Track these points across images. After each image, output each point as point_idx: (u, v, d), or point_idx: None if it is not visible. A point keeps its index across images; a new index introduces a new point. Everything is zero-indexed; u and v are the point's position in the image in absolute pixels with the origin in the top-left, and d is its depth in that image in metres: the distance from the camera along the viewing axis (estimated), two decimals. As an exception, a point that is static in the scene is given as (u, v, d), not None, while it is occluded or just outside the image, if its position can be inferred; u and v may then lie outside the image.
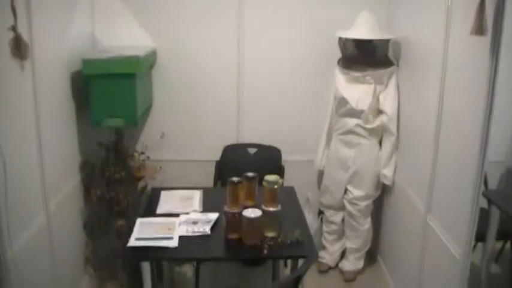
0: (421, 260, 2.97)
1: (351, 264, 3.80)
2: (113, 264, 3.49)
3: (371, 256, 3.96)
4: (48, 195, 2.80)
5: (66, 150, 3.16)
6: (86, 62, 3.10)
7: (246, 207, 2.57)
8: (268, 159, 3.77)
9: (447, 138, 2.66)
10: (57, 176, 2.97)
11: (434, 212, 2.81)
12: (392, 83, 3.44)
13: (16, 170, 2.42)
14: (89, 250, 3.50)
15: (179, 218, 2.74)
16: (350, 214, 3.70)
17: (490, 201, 2.65)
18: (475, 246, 2.42)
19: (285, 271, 3.29)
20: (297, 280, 2.26)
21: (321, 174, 3.89)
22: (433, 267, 2.83)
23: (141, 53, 3.26)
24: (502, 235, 2.87)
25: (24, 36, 2.46)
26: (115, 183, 3.32)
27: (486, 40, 2.14)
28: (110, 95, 3.15)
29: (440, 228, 2.70)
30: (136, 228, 2.63)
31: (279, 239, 2.53)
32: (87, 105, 3.20)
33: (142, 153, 3.60)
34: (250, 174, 2.77)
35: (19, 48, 2.41)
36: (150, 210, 2.88)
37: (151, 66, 3.64)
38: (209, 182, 3.73)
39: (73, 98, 3.21)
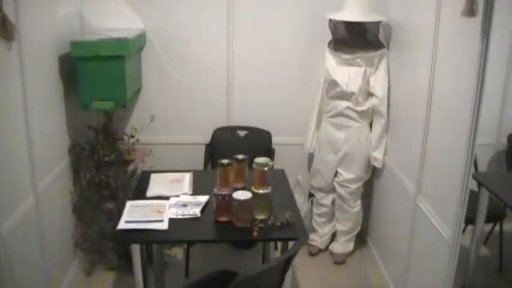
0: (411, 242, 2.98)
1: (341, 246, 3.82)
2: (102, 248, 3.49)
3: (361, 238, 3.97)
4: (36, 178, 2.78)
5: (54, 133, 3.13)
6: (75, 44, 3.06)
7: (236, 190, 2.56)
8: (259, 142, 3.76)
9: (437, 120, 2.65)
10: (46, 158, 2.94)
11: (424, 194, 2.82)
12: (383, 65, 3.43)
13: (4, 152, 2.40)
14: (79, 233, 3.48)
15: (169, 200, 2.73)
16: (340, 196, 3.71)
17: (479, 184, 2.66)
18: (464, 228, 2.43)
19: (275, 253, 3.30)
20: (287, 262, 2.25)
21: (311, 156, 3.89)
22: (422, 249, 2.84)
23: (130, 34, 3.23)
24: (491, 218, 2.89)
25: (11, 16, 2.42)
26: (104, 167, 3.30)
27: (477, 21, 2.12)
28: (98, 78, 3.12)
29: (430, 210, 2.70)
30: (126, 211, 2.61)
31: (269, 221, 2.52)
32: (76, 87, 3.16)
33: (132, 136, 3.58)
34: (240, 156, 2.76)
35: (5, 29, 2.36)
36: (140, 193, 2.86)
37: (140, 48, 3.60)
38: (199, 165, 3.72)
39: (61, 80, 3.17)
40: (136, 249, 2.46)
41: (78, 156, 3.36)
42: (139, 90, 3.71)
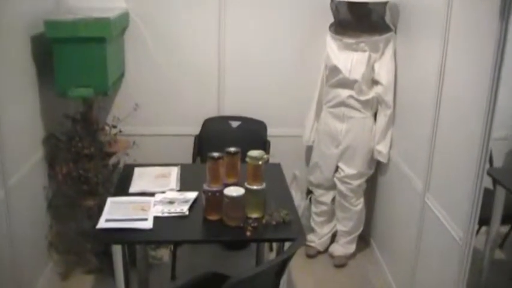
0: (418, 243, 2.98)
1: (342, 248, 3.82)
2: (80, 249, 3.47)
3: (363, 240, 3.98)
4: (6, 172, 2.76)
5: (27, 123, 3.10)
6: (50, 24, 3.03)
7: (227, 185, 2.56)
8: (252, 133, 3.76)
9: (448, 111, 2.64)
10: (17, 150, 2.92)
11: (433, 191, 2.81)
12: (389, 50, 3.42)
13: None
14: (54, 233, 3.47)
15: (154, 197, 2.73)
16: (341, 194, 3.71)
17: (495, 181, 2.64)
18: (478, 230, 2.41)
19: (270, 255, 3.32)
20: (283, 265, 2.25)
21: (309, 150, 3.89)
22: (431, 251, 2.84)
23: (111, 14, 3.20)
24: (508, 218, 2.86)
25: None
26: (83, 160, 3.28)
27: (495, 1, 2.09)
28: (76, 62, 3.10)
29: (439, 209, 2.69)
30: (106, 209, 2.60)
31: (264, 220, 2.52)
32: (51, 72, 3.13)
33: (114, 126, 3.56)
34: (232, 149, 2.77)
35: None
36: (122, 189, 2.86)
37: (123, 29, 3.58)
38: (187, 158, 3.72)
39: (35, 64, 3.14)
40: (117, 251, 2.45)
41: (54, 148, 3.35)
42: (122, 76, 3.69)
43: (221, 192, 2.49)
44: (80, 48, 3.07)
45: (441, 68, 2.68)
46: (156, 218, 2.52)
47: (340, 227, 3.81)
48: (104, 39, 3.09)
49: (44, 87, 3.24)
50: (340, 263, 3.78)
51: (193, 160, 3.72)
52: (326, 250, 3.91)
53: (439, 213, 2.69)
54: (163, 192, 2.79)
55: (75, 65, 3.10)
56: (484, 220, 2.50)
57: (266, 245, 3.28)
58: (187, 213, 2.58)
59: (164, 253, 3.74)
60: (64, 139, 3.34)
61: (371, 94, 3.49)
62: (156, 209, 2.61)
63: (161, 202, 2.67)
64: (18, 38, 2.96)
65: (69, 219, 3.45)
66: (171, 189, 2.83)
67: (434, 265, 2.77)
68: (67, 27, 3.03)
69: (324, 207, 3.84)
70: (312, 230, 3.91)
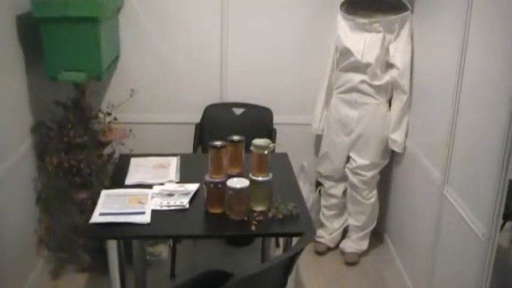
0: (436, 240, 2.97)
1: (354, 244, 3.83)
2: (72, 245, 3.48)
3: (377, 235, 3.99)
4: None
5: (14, 110, 3.10)
6: (37, 2, 3.01)
7: (230, 177, 2.56)
8: (257, 120, 3.77)
9: (470, 96, 2.62)
10: (3, 140, 2.91)
11: (453, 183, 2.80)
12: (405, 31, 3.41)
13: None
14: (44, 229, 3.48)
15: (152, 189, 2.73)
16: (353, 186, 3.71)
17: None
18: (503, 225, 2.40)
19: (277, 251, 3.35)
20: (291, 262, 2.24)
21: (318, 139, 3.90)
22: (450, 248, 2.83)
23: (105, -8, 3.19)
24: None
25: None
26: (75, 149, 3.29)
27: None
28: (67, 43, 3.09)
29: (460, 202, 2.68)
30: (101, 202, 2.60)
31: (270, 214, 2.52)
32: (40, 55, 3.12)
33: (109, 113, 3.56)
34: (235, 137, 2.76)
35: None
36: (117, 181, 2.86)
37: (117, 9, 3.58)
38: (188, 148, 3.72)
39: (21, 47, 3.13)
40: (112, 247, 2.45)
41: (44, 138, 3.35)
42: (116, 59, 3.69)
43: (224, 183, 2.49)
44: (70, 28, 3.05)
45: (462, 49, 2.65)
46: (154, 212, 2.52)
47: (351, 222, 3.82)
48: (97, 19, 3.07)
49: (32, 72, 3.23)
50: (352, 261, 3.78)
51: (194, 150, 3.73)
52: (337, 246, 3.91)
53: (459, 207, 2.67)
54: (161, 184, 2.79)
55: (66, 47, 3.09)
56: (509, 215, 2.49)
57: (272, 240, 3.29)
58: (187, 206, 2.58)
59: (163, 249, 3.75)
60: (54, 127, 3.34)
61: (385, 78, 3.48)
62: (154, 201, 2.61)
63: (159, 194, 2.67)
64: (2, 17, 2.94)
65: (60, 214, 3.45)
66: (170, 181, 2.83)
67: (454, 263, 2.76)
68: (56, 6, 3.01)
69: (334, 200, 3.84)
70: (322, 225, 3.92)
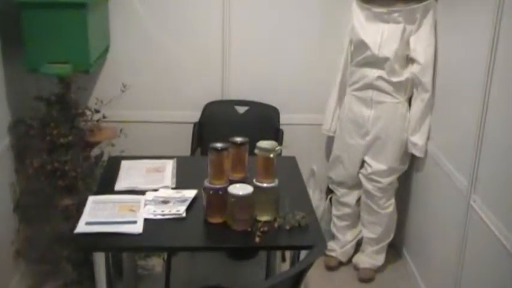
0: (462, 255, 2.96)
1: (368, 259, 3.83)
2: (55, 257, 3.46)
3: (394, 249, 4.00)
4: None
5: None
6: (17, -14, 3.04)
7: (232, 182, 2.55)
8: (262, 120, 3.79)
9: (501, 95, 2.61)
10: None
11: (481, 191, 2.78)
12: (428, 21, 3.41)
13: None
14: (22, 239, 3.48)
15: (145, 196, 2.74)
16: (368, 194, 3.71)
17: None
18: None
19: (283, 266, 3.34)
20: (298, 278, 2.23)
21: (330, 141, 3.90)
22: (478, 264, 2.82)
23: (93, -26, 3.22)
24: None
25: None
26: (59, 150, 3.29)
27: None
28: (51, 32, 3.09)
29: (489, 214, 2.67)
30: (87, 209, 2.60)
31: (276, 224, 2.52)
32: (20, 45, 3.12)
33: (97, 111, 3.58)
34: (238, 139, 2.77)
35: None
36: (106, 186, 2.87)
37: (107, -6, 3.61)
38: (185, 150, 3.74)
39: (-1, 35, 3.16)
40: (100, 259, 2.45)
41: (24, 137, 3.36)
42: (106, 50, 3.70)
43: (225, 190, 2.49)
44: (54, 15, 3.06)
45: (493, 42, 2.64)
46: (147, 221, 2.52)
47: (366, 234, 3.82)
48: (84, 5, 3.08)
49: (10, 63, 3.24)
50: (366, 277, 3.78)
51: (192, 152, 3.74)
52: (349, 261, 3.92)
53: (488, 220, 2.66)
54: (155, 190, 2.80)
55: (49, 35, 3.09)
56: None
57: (278, 253, 3.30)
58: (184, 215, 2.58)
59: (156, 263, 3.75)
60: (36, 125, 3.34)
61: (405, 75, 3.48)
62: (147, 209, 2.60)
63: (153, 202, 2.67)
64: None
65: (41, 223, 3.45)
66: (166, 187, 2.84)
67: (482, 281, 2.75)
68: (39, -10, 3.05)
69: (347, 210, 3.84)
70: (333, 237, 3.92)
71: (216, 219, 2.52)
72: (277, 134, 3.71)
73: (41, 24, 3.07)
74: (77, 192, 3.31)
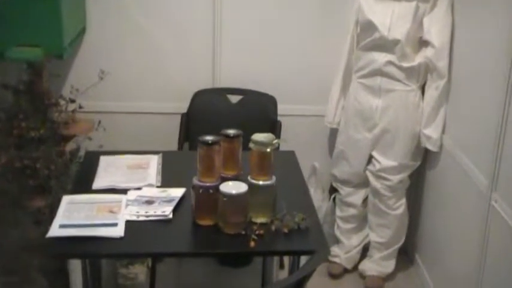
0: (482, 261, 2.95)
1: (376, 266, 3.84)
2: (24, 266, 3.45)
3: (405, 255, 4.02)
4: None
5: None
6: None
7: (224, 180, 2.56)
8: (258, 111, 3.80)
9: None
10: None
11: (503, 190, 2.78)
12: (444, 0, 3.39)
13: None
14: (-14, 246, 3.47)
15: (127, 195, 2.74)
16: (376, 193, 3.71)
17: None
18: None
19: (281, 274, 3.35)
20: (298, 287, 2.21)
21: (333, 134, 3.91)
22: (500, 271, 2.81)
23: None
24: None
25: None
26: (30, 145, 3.29)
27: None
28: (19, 12, 3.10)
29: (511, 213, 2.66)
30: (61, 211, 2.60)
31: (273, 227, 2.51)
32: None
33: (72, 100, 3.58)
34: (231, 131, 2.76)
35: None
36: (83, 185, 2.86)
37: (83, -30, 3.62)
38: (172, 144, 3.76)
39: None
40: (76, 267, 2.46)
41: None
42: (82, 33, 3.71)
43: (216, 188, 2.48)
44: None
45: (516, 22, 2.65)
46: (129, 223, 2.51)
47: (373, 238, 3.83)
48: (57, -17, 3.11)
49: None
50: (374, 286, 3.80)
51: (180, 146, 3.76)
52: (355, 268, 3.93)
53: (510, 220, 2.65)
54: (139, 188, 2.80)
55: (17, 16, 3.10)
56: None
57: (275, 260, 3.29)
58: (170, 216, 2.57)
59: (139, 270, 3.73)
60: (2, 117, 3.33)
61: (418, 59, 3.49)
62: (129, 210, 2.60)
63: (136, 202, 2.67)
64: None
65: (9, 227, 3.44)
66: (150, 185, 2.84)
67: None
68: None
69: (352, 211, 3.86)
70: (337, 241, 3.93)
71: (206, 221, 2.52)
72: (274, 126, 3.71)
73: (8, 4, 3.07)
74: (50, 192, 3.30)
